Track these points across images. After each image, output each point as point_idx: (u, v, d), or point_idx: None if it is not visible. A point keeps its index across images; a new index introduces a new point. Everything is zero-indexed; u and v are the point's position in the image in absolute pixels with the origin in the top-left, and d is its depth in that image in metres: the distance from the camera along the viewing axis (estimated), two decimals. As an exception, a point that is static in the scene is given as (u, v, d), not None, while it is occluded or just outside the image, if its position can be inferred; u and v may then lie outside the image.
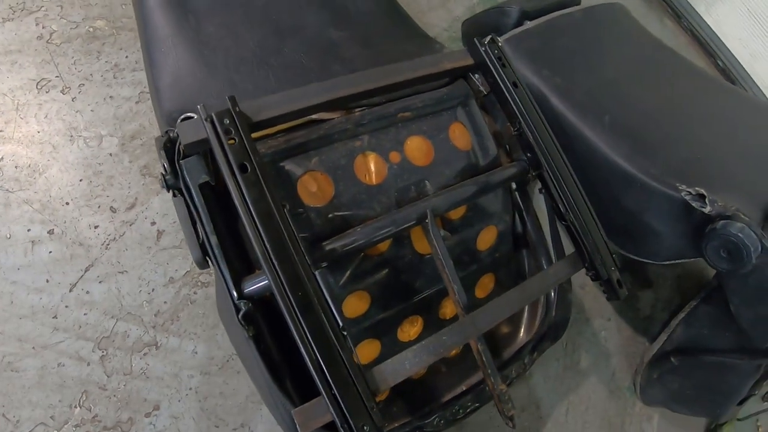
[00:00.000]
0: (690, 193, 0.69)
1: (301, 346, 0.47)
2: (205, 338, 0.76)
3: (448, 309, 0.70)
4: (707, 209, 0.68)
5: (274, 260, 0.49)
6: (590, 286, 1.04)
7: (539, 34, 0.90)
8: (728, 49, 1.55)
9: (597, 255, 0.64)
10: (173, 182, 0.56)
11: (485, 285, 0.74)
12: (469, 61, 0.66)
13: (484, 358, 0.57)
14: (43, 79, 0.81)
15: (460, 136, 0.67)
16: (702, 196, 0.68)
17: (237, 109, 0.53)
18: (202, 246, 0.57)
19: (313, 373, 0.47)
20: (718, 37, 1.56)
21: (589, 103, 0.83)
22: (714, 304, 0.86)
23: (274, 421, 0.71)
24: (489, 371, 0.58)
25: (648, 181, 0.74)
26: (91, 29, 0.84)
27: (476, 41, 0.65)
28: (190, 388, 0.73)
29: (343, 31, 0.78)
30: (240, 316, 0.54)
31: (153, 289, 0.76)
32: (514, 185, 0.74)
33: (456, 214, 0.66)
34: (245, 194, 0.50)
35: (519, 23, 0.94)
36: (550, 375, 0.95)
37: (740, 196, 0.70)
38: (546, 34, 0.91)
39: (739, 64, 1.55)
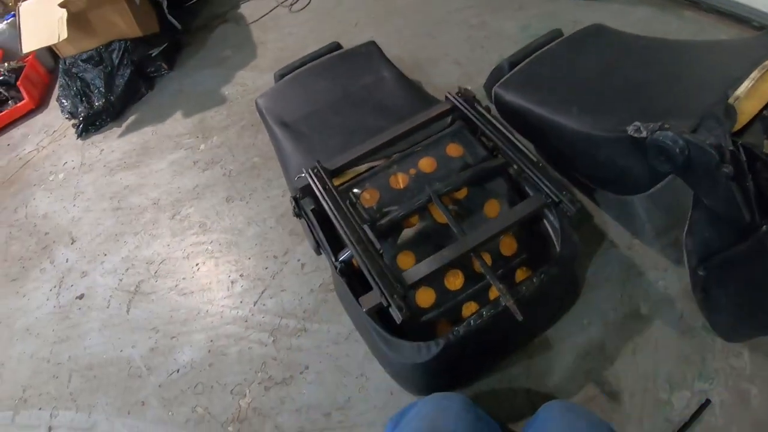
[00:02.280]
0: (631, 129, 0.91)
1: (364, 267, 0.86)
2: (335, 322, 1.16)
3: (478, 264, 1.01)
4: (644, 134, 0.89)
5: (350, 236, 0.91)
6: (638, 245, 1.17)
7: (521, 72, 1.24)
8: (758, 9, 1.58)
9: (548, 187, 0.92)
10: (299, 212, 1.04)
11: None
12: (447, 107, 1.08)
13: (482, 268, 0.87)
14: (230, 196, 1.44)
15: (453, 149, 1.06)
16: (638, 128, 0.90)
17: (321, 165, 1.02)
18: (316, 242, 1.02)
19: (369, 276, 0.84)
20: (743, 5, 1.59)
21: (561, 103, 1.11)
22: (700, 207, 0.94)
23: (381, 369, 1.06)
24: (489, 275, 0.87)
25: (606, 134, 0.98)
26: (252, 163, 1.49)
27: (447, 94, 1.08)
28: (328, 354, 1.12)
29: (386, 119, 1.26)
30: (338, 272, 0.95)
31: (301, 297, 1.22)
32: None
33: (461, 194, 1.02)
34: (330, 205, 0.95)
35: (511, 70, 1.31)
36: (609, 321, 1.07)
37: (671, 118, 0.90)
38: (526, 70, 1.24)
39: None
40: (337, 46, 1.54)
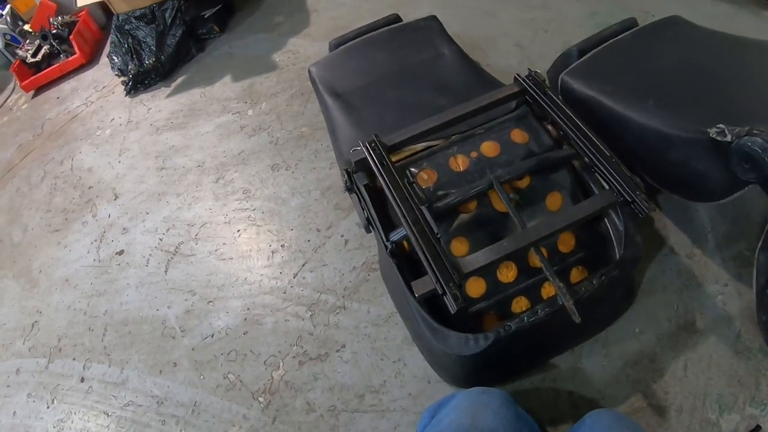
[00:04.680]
0: (713, 131, 0.85)
1: (420, 250, 0.82)
2: (375, 303, 1.13)
3: (533, 259, 0.97)
4: (728, 138, 0.82)
5: (407, 216, 0.87)
6: (699, 255, 1.11)
7: (591, 60, 1.17)
8: None
9: (620, 185, 0.86)
10: (351, 186, 1.01)
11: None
12: (515, 89, 1.02)
13: (542, 263, 0.83)
14: (275, 164, 1.42)
15: (518, 135, 1.00)
16: (722, 131, 0.84)
17: (378, 140, 0.98)
18: (367, 219, 0.99)
19: (424, 261, 0.80)
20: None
21: (634, 96, 1.04)
22: None
23: (420, 356, 1.03)
24: (548, 272, 0.82)
25: (684, 134, 0.92)
26: (299, 133, 1.46)
27: (516, 76, 1.01)
28: (366, 335, 1.09)
29: (446, 97, 1.20)
30: (388, 252, 0.92)
31: (343, 274, 1.19)
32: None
33: (523, 183, 0.96)
34: (388, 182, 0.91)
35: (580, 58, 1.24)
36: (661, 333, 1.02)
37: (757, 122, 0.85)
38: (597, 58, 1.17)
39: None
40: (396, 18, 1.48)
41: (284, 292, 1.19)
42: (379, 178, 0.92)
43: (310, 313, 1.15)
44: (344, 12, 1.85)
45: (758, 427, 0.93)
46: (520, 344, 0.91)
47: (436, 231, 0.84)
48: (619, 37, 1.24)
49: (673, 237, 1.15)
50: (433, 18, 1.42)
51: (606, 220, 1.00)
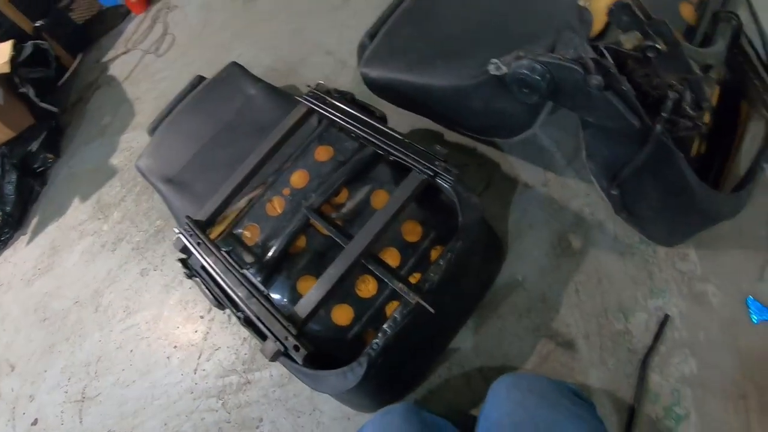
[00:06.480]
0: (491, 68, 0.84)
1: (252, 315, 0.79)
2: (274, 366, 1.09)
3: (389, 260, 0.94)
4: (503, 69, 0.82)
5: (233, 288, 0.83)
6: (553, 179, 1.12)
7: (379, 44, 1.15)
8: None
9: (420, 162, 0.84)
10: (189, 273, 0.97)
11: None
12: (303, 110, 1.00)
13: (376, 271, 0.81)
14: (143, 269, 1.37)
15: (322, 153, 0.98)
16: (496, 64, 0.83)
17: (191, 220, 0.94)
18: (216, 298, 0.95)
19: (258, 323, 0.77)
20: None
21: (424, 62, 1.03)
22: (588, 126, 0.88)
23: (331, 399, 1.00)
24: (384, 276, 0.80)
25: (472, 82, 0.92)
26: (155, 228, 1.42)
27: (297, 97, 0.99)
28: (276, 399, 1.05)
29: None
30: (242, 323, 0.88)
31: (237, 350, 1.15)
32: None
33: (341, 197, 0.94)
34: (208, 261, 0.88)
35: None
36: (544, 269, 1.02)
37: (526, 45, 0.84)
38: (383, 39, 1.15)
39: None
40: (200, 80, 1.45)
41: (191, 392, 1.14)
42: (200, 260, 0.89)
43: (221, 401, 1.10)
44: (165, 87, 1.81)
45: (666, 316, 0.94)
46: (401, 351, 0.88)
47: (262, 290, 0.81)
48: (399, 9, 1.23)
49: (523, 173, 1.15)
50: (233, 64, 1.39)
51: (444, 192, 0.98)
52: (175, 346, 1.22)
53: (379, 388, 0.90)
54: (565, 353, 0.95)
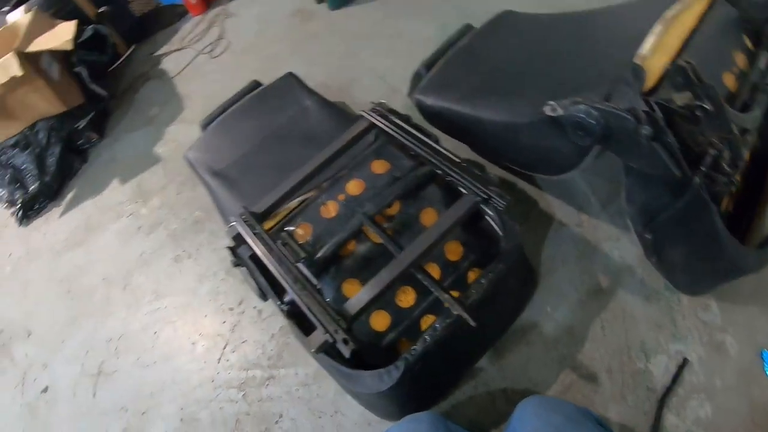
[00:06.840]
0: (547, 109, 0.90)
1: (303, 306, 0.83)
2: (300, 364, 1.12)
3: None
4: (559, 111, 0.88)
5: (285, 277, 0.88)
6: (586, 220, 1.17)
7: (436, 74, 1.23)
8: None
9: (474, 185, 0.90)
10: (237, 262, 1.01)
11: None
12: (364, 125, 1.07)
13: (425, 281, 0.85)
14: (177, 255, 1.40)
15: (379, 166, 1.04)
16: (552, 106, 0.89)
17: (248, 211, 0.99)
18: (260, 289, 0.99)
19: (310, 315, 0.81)
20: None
21: (478, 96, 1.10)
22: (631, 172, 0.93)
23: (355, 403, 1.02)
24: (433, 287, 0.85)
25: (525, 120, 0.97)
26: (194, 218, 1.46)
27: (361, 112, 1.06)
28: (299, 398, 1.08)
29: (316, 148, 1.21)
30: (285, 315, 0.92)
31: (264, 345, 1.18)
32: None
33: (393, 210, 0.99)
34: (263, 251, 0.92)
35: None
36: (572, 303, 1.06)
37: (582, 90, 0.90)
38: (440, 70, 1.24)
39: None
40: (256, 84, 1.52)
41: (212, 381, 1.16)
42: (255, 249, 0.93)
43: (242, 393, 1.12)
44: (217, 88, 1.88)
45: (685, 360, 0.97)
46: (436, 361, 0.91)
47: (315, 283, 0.85)
48: (458, 44, 1.32)
49: (559, 212, 1.21)
50: (290, 75, 1.47)
51: (487, 218, 1.04)
52: (201, 334, 1.25)
53: (408, 396, 0.93)
54: (587, 385, 0.98)
